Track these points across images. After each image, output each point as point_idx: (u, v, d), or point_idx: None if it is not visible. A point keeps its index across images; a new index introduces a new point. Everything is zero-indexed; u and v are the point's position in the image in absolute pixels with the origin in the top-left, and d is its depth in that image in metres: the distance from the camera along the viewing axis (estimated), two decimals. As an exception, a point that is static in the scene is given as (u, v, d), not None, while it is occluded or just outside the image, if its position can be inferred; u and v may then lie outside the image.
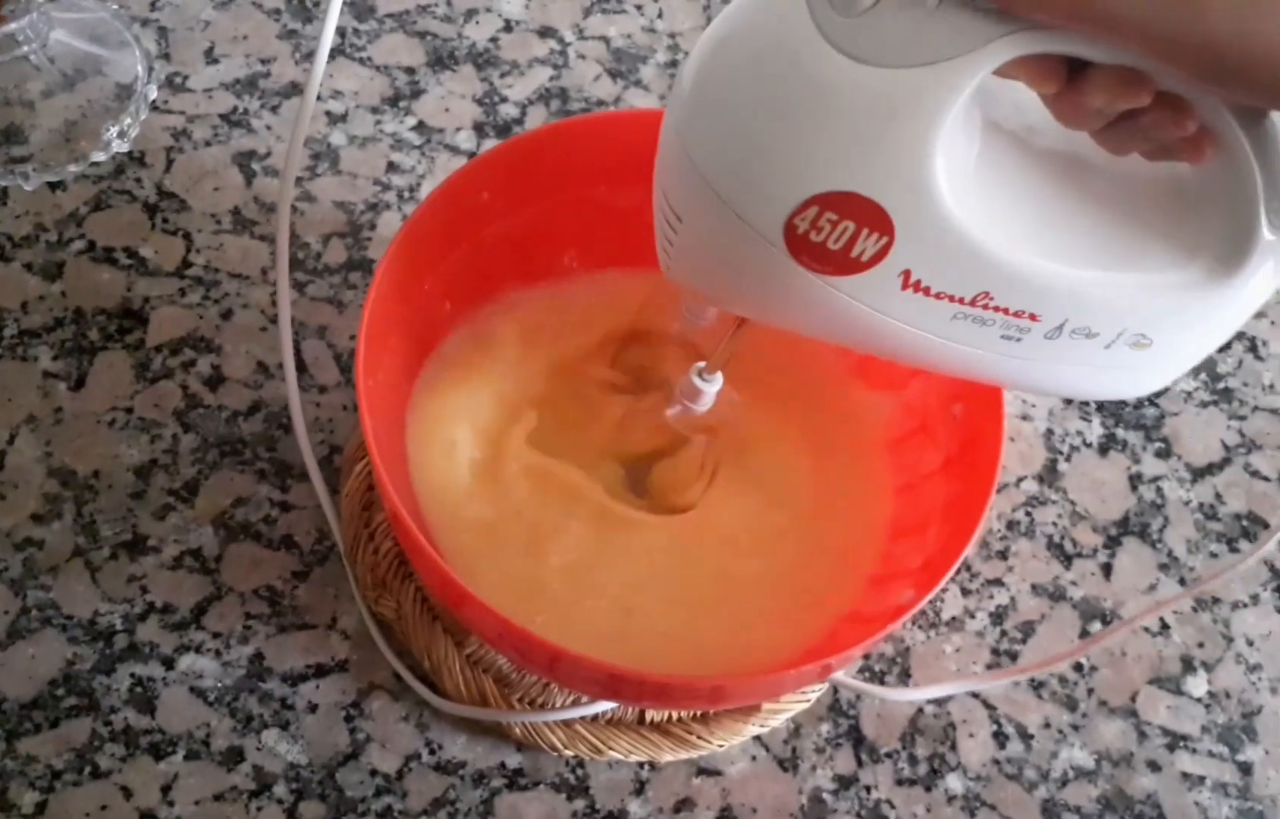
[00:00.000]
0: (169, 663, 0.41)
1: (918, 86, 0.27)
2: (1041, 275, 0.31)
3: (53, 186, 0.51)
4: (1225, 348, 0.52)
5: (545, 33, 0.58)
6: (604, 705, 0.41)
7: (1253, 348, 0.53)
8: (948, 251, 0.30)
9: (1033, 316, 0.31)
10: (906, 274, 0.30)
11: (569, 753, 0.40)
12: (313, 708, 0.40)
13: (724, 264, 0.32)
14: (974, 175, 0.30)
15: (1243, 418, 0.51)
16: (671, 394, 0.42)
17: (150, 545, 0.43)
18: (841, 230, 0.30)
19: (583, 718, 0.40)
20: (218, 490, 0.44)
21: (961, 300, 0.31)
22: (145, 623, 0.41)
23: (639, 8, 0.60)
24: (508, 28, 0.58)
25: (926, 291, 0.31)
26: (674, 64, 0.58)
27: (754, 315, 0.35)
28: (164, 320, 0.48)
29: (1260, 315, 0.53)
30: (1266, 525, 0.48)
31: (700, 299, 0.38)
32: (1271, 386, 0.51)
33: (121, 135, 0.52)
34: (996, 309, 0.31)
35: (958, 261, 0.30)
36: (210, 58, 0.55)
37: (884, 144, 0.28)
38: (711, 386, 0.40)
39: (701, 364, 0.40)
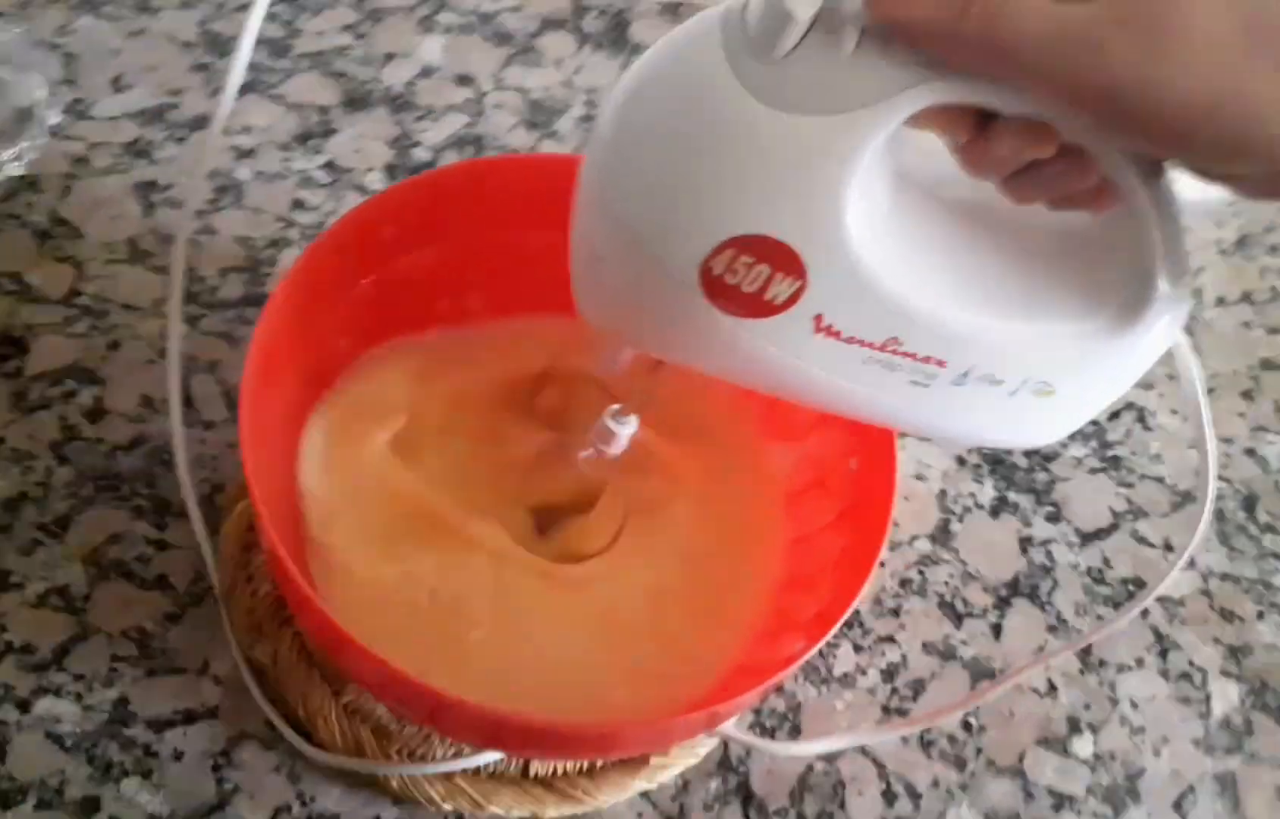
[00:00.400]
0: (24, 706, 0.39)
1: (831, 133, 0.28)
2: (949, 322, 0.32)
3: (-62, 208, 0.49)
4: (1114, 417, 0.54)
5: (463, 80, 0.59)
6: (486, 757, 0.39)
7: (1141, 418, 0.54)
8: (858, 296, 0.31)
9: (940, 362, 0.32)
10: (819, 318, 0.31)
11: (448, 807, 0.39)
12: (178, 756, 0.39)
13: (640, 305, 0.33)
14: (885, 223, 0.31)
15: (1130, 485, 0.52)
16: (584, 438, 0.41)
17: (13, 581, 0.41)
18: (756, 273, 0.30)
19: (464, 771, 0.39)
20: (91, 526, 0.42)
21: (872, 345, 0.32)
22: (1, 663, 0.39)
23: (557, 62, 0.61)
24: (425, 73, 0.58)
25: (838, 336, 0.31)
26: (590, 119, 0.59)
27: (670, 357, 0.35)
28: (46, 349, 0.46)
29: (1148, 386, 0.55)
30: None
31: (617, 340, 0.38)
32: (1158, 456, 0.53)
33: (17, 159, 0.51)
34: (905, 354, 0.32)
35: (868, 306, 0.31)
36: (117, 86, 0.54)
37: (797, 189, 0.29)
38: (625, 429, 0.40)
39: (616, 407, 0.40)
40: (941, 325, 0.31)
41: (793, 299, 0.31)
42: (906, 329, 0.31)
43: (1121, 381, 0.34)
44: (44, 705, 0.39)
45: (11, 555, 0.41)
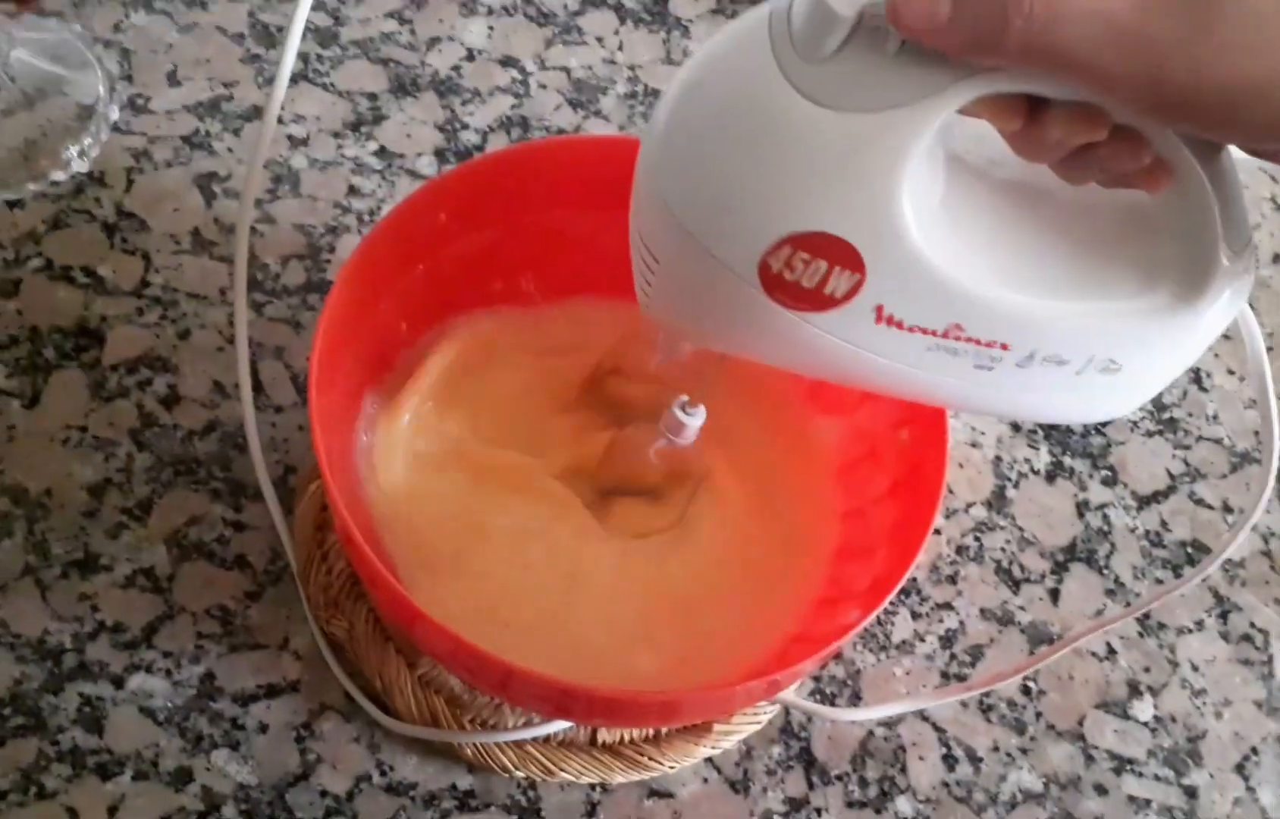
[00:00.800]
0: (118, 682, 0.40)
1: (882, 130, 0.28)
2: (1010, 305, 0.32)
3: (11, 205, 0.51)
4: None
5: (507, 62, 0.59)
6: (556, 726, 0.41)
7: (1197, 379, 0.54)
8: (918, 286, 0.31)
9: (1004, 346, 0.32)
10: (879, 309, 0.31)
11: (520, 774, 0.40)
12: (263, 728, 0.40)
13: (701, 302, 0.33)
14: (940, 210, 0.31)
15: (1187, 447, 0.52)
16: (642, 425, 0.42)
17: (102, 564, 0.43)
18: (814, 269, 0.30)
19: (534, 739, 0.40)
20: (171, 509, 0.44)
21: (934, 333, 0.32)
22: (95, 642, 0.41)
23: (600, 40, 0.61)
24: (470, 56, 0.59)
25: (900, 325, 0.32)
26: (634, 95, 0.59)
27: (732, 351, 0.36)
28: (120, 339, 0.48)
29: (1204, 347, 0.55)
30: (1210, 551, 0.49)
31: (678, 335, 0.38)
32: (1215, 417, 0.53)
33: (82, 155, 0.52)
34: (968, 340, 0.32)
35: (928, 295, 0.31)
36: (173, 80, 0.56)
37: (852, 186, 0.29)
38: (695, 420, 0.40)
39: (684, 398, 0.40)
40: (1003, 309, 0.32)
41: (852, 292, 0.31)
42: (968, 315, 0.31)
43: (1187, 355, 0.34)
44: (136, 681, 0.41)
45: (100, 538, 0.43)
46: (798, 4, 0.28)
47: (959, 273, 0.31)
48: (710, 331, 0.35)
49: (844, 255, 0.30)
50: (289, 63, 0.39)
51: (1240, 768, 0.44)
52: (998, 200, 0.33)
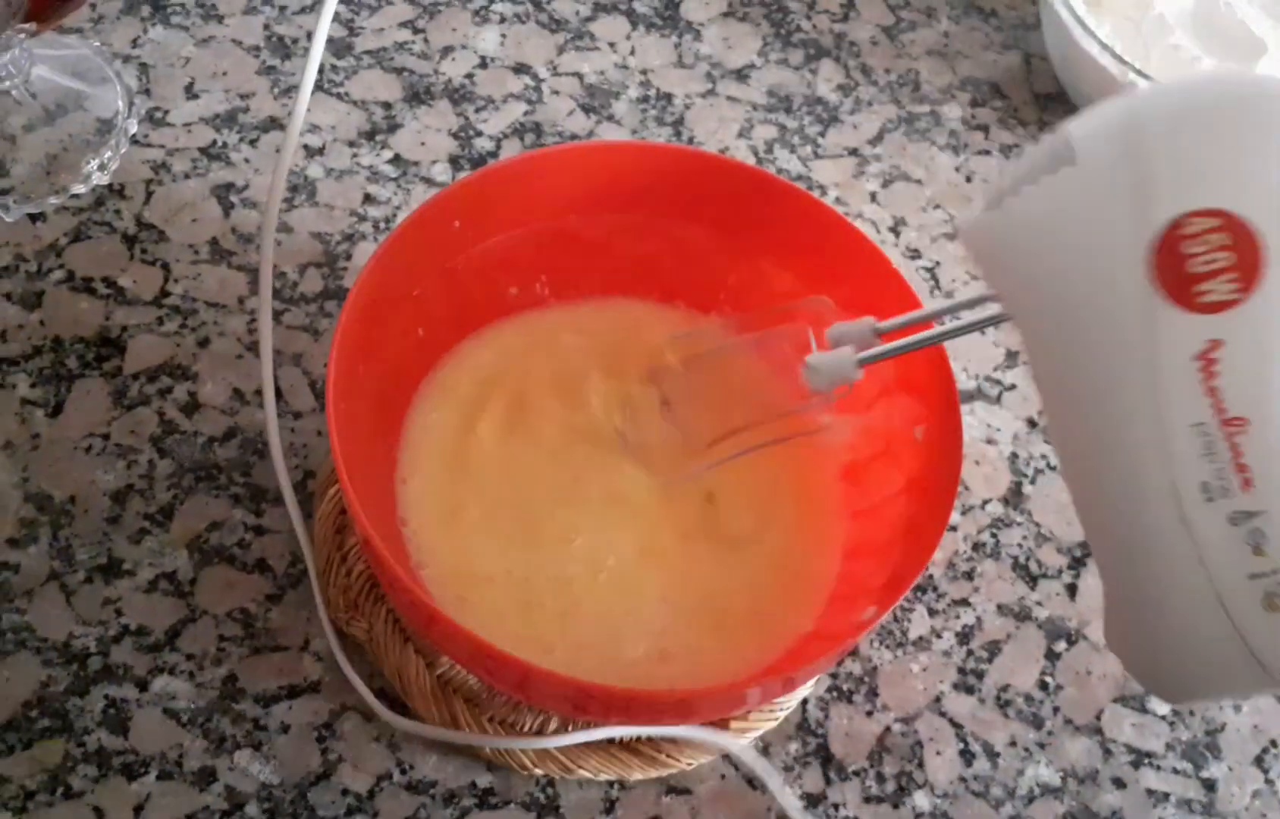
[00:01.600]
0: (142, 684, 0.41)
1: None
2: None
3: (33, 218, 0.51)
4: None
5: (520, 69, 0.60)
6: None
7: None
8: (1269, 354, 0.29)
9: (1246, 483, 0.29)
10: (1214, 343, 0.29)
11: (539, 772, 0.41)
12: (285, 729, 0.41)
13: (1061, 244, 0.30)
14: None
15: (1202, 441, 0.52)
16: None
17: (125, 569, 0.43)
18: (1212, 258, 0.29)
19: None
20: (193, 515, 0.45)
21: (1223, 410, 0.29)
22: (119, 645, 0.42)
23: (612, 45, 0.61)
24: (483, 64, 0.60)
25: (1210, 375, 0.29)
26: (646, 100, 0.60)
27: (1027, 326, 0.33)
28: (141, 348, 0.48)
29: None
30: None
31: (984, 273, 0.34)
32: (1231, 411, 0.53)
33: (102, 168, 0.53)
34: (1233, 449, 0.29)
35: (1263, 371, 0.29)
36: (190, 93, 0.56)
37: None
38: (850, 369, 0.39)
39: (860, 354, 0.39)
40: None
41: (1220, 306, 0.29)
42: (1263, 422, 0.29)
43: None
44: (160, 683, 0.41)
45: (123, 544, 0.44)
46: None
47: None
48: (1036, 283, 0.32)
49: (1250, 260, 0.28)
50: (311, 75, 0.40)
51: (1259, 760, 0.44)
52: None
